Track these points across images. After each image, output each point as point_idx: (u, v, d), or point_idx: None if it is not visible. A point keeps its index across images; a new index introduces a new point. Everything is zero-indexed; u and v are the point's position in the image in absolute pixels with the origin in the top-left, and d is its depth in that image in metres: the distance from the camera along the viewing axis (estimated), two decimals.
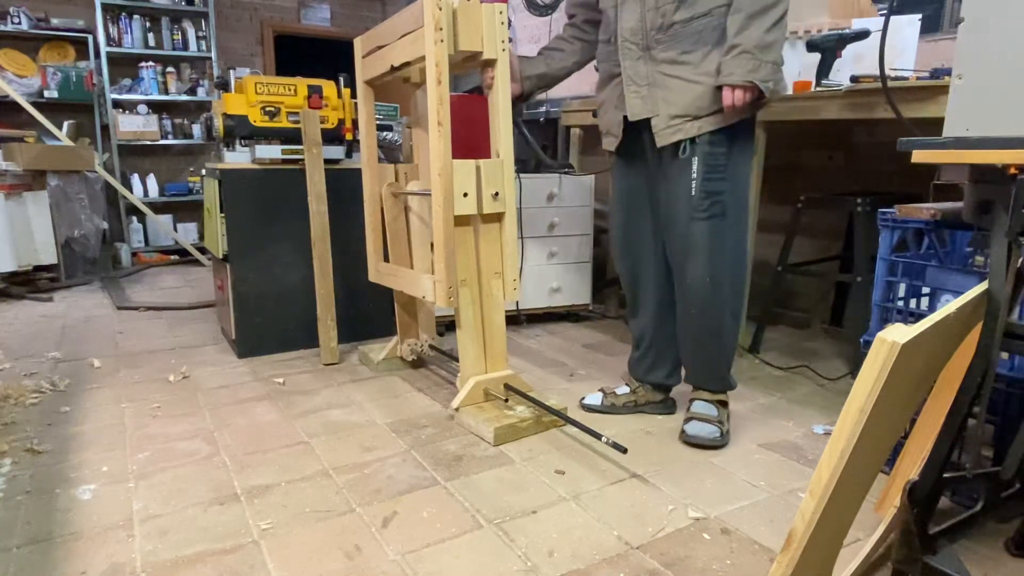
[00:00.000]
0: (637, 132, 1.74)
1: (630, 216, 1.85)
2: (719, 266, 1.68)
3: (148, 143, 4.99)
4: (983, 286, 0.96)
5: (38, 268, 3.72)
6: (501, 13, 1.67)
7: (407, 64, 1.84)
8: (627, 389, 1.96)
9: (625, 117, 1.73)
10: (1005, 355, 1.32)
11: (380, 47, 1.96)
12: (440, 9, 1.60)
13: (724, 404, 1.80)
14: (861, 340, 1.65)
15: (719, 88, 1.55)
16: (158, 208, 4.97)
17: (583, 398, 2.00)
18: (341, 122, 2.53)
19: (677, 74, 1.61)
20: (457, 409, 1.86)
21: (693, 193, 1.64)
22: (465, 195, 1.72)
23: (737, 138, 1.63)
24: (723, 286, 1.69)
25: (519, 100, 1.95)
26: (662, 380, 1.93)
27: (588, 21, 1.89)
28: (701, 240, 1.66)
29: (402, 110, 3.53)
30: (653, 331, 1.89)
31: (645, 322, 1.90)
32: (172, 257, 4.89)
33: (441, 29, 1.61)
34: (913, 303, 1.51)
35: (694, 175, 1.63)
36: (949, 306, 0.90)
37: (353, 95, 2.59)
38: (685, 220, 1.67)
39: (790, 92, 2.15)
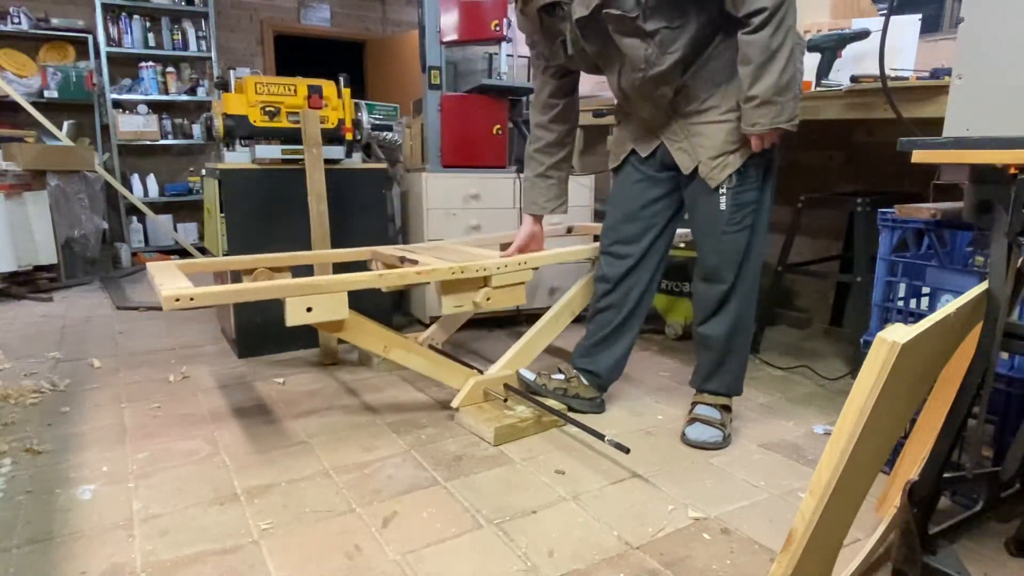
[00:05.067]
0: (647, 156, 1.79)
1: (632, 217, 1.84)
2: (744, 276, 1.71)
3: (148, 143, 4.99)
4: (983, 286, 0.96)
5: (38, 268, 3.72)
6: (509, 264, 1.90)
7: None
8: (561, 376, 1.94)
9: (633, 150, 1.81)
10: (1005, 355, 1.32)
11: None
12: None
13: (728, 408, 1.80)
14: (861, 340, 1.65)
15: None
16: (158, 208, 4.97)
17: (519, 369, 1.96)
18: (341, 122, 2.53)
19: (707, 120, 1.64)
20: (457, 409, 1.86)
21: (723, 207, 1.66)
22: (309, 309, 1.60)
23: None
24: (744, 295, 1.72)
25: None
26: (604, 373, 1.91)
27: (565, 91, 1.90)
28: (734, 251, 1.68)
29: (402, 110, 3.53)
30: (620, 322, 1.87)
31: (616, 315, 1.87)
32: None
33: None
34: (913, 303, 1.51)
35: (724, 190, 1.65)
36: (949, 306, 0.90)
37: (353, 95, 2.60)
38: (718, 233, 1.69)
39: None
